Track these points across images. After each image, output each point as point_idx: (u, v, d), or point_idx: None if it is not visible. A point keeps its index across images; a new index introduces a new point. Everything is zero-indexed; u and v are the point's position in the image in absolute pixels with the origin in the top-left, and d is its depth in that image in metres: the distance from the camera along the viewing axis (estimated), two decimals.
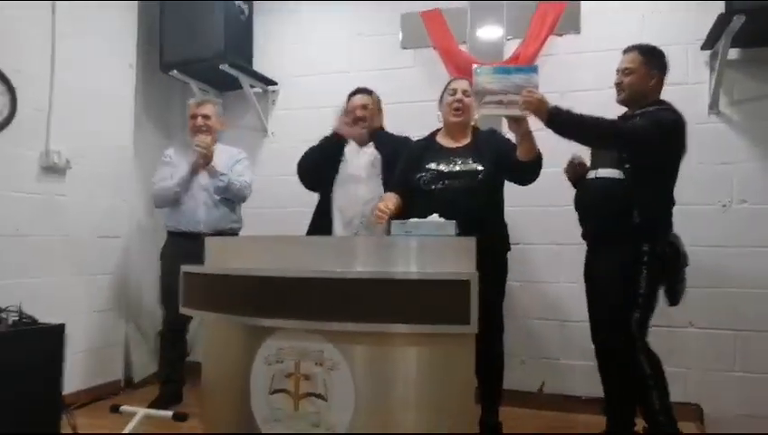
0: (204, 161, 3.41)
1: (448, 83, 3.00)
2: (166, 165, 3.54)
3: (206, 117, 3.50)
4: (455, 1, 3.83)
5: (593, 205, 2.69)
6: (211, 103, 3.60)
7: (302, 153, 3.22)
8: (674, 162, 2.62)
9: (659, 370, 2.58)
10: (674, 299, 2.62)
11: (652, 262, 2.52)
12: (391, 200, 2.77)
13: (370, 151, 3.17)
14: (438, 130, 3.01)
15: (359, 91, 3.27)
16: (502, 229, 2.91)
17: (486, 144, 2.85)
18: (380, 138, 3.15)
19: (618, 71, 2.72)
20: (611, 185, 2.61)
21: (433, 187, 2.80)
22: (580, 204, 2.80)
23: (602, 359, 2.77)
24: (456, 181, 2.77)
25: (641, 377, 2.53)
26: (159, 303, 3.65)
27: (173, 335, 3.52)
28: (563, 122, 2.52)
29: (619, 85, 2.69)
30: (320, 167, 3.16)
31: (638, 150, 2.53)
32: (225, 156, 3.55)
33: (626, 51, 2.72)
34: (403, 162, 2.94)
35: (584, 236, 2.80)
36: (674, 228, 2.64)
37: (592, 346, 2.80)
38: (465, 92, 2.87)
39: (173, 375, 3.52)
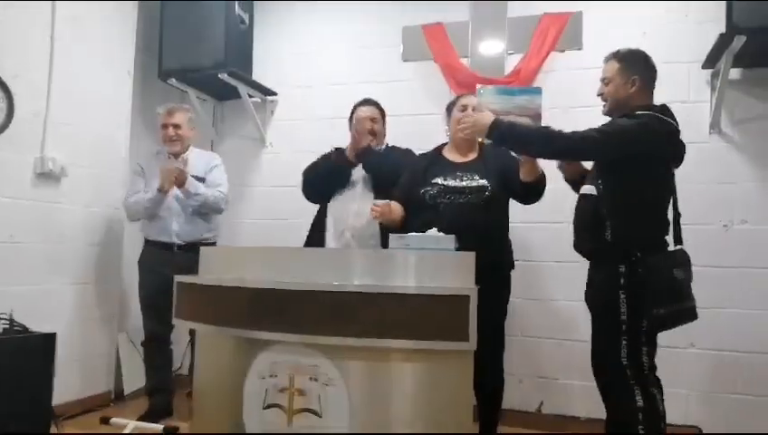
0: (173, 185, 3.31)
1: (457, 98, 2.98)
2: (138, 176, 3.51)
3: (176, 126, 3.44)
4: (457, 15, 3.83)
5: (574, 225, 2.56)
6: (182, 111, 3.52)
7: (307, 165, 3.17)
8: (649, 172, 2.36)
9: (655, 408, 2.32)
10: (652, 326, 2.31)
11: (629, 285, 2.29)
12: (394, 203, 2.75)
13: None
14: (444, 144, 2.98)
15: (366, 102, 3.24)
16: (506, 247, 2.89)
17: (493, 160, 2.82)
18: (368, 162, 3.10)
19: (601, 80, 2.60)
20: (587, 202, 2.45)
21: (438, 201, 2.77)
22: (574, 224, 2.64)
23: (599, 383, 2.68)
24: (462, 197, 2.75)
25: (629, 410, 2.30)
26: (141, 311, 3.54)
27: (157, 345, 3.47)
28: (502, 136, 2.44)
29: (601, 96, 2.57)
30: (327, 183, 3.13)
31: (596, 160, 2.39)
32: (200, 162, 3.50)
33: (605, 59, 2.57)
34: (408, 175, 2.91)
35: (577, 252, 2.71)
36: (671, 246, 2.42)
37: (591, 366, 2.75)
38: (474, 109, 2.84)
39: (161, 384, 3.46)
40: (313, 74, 4.18)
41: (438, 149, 2.99)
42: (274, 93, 4.25)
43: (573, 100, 3.46)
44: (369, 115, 3.18)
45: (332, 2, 4.15)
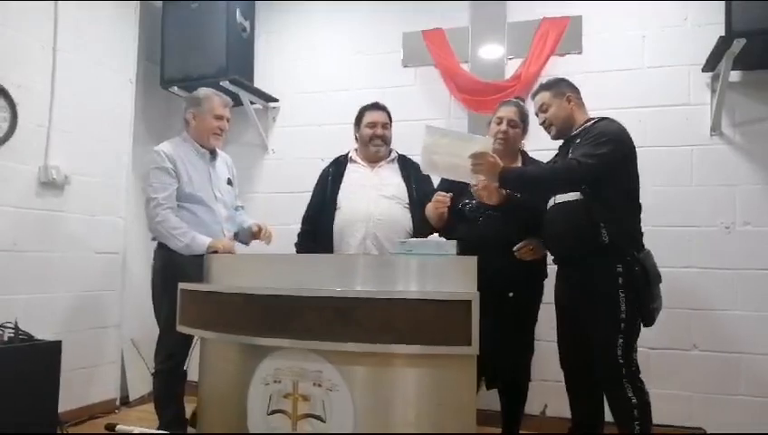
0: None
1: (498, 108, 2.98)
2: (166, 174, 2.85)
3: (228, 121, 3.06)
4: (456, 20, 3.84)
5: (558, 232, 2.59)
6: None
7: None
8: (628, 170, 2.51)
9: (645, 401, 2.40)
10: (648, 320, 2.46)
11: (627, 284, 2.39)
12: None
13: (386, 171, 3.19)
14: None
15: (375, 106, 3.24)
16: (542, 257, 2.89)
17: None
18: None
19: (536, 114, 2.74)
20: (572, 209, 2.50)
21: (478, 215, 2.79)
22: (546, 234, 2.68)
23: (572, 383, 2.71)
24: (499, 212, 2.75)
25: (625, 407, 2.37)
26: (167, 337, 2.83)
27: (177, 373, 2.88)
28: (511, 183, 2.59)
29: (543, 124, 2.70)
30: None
31: (598, 177, 2.44)
32: (224, 163, 3.18)
33: (532, 95, 2.76)
34: (449, 184, 2.88)
35: (555, 261, 2.74)
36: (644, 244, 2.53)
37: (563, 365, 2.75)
38: (510, 122, 2.87)
39: (178, 415, 2.92)
40: (315, 81, 4.19)
41: None
42: (276, 100, 4.26)
43: None
44: (381, 120, 3.19)
45: (333, 9, 4.17)
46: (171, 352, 2.82)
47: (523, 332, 2.82)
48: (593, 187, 2.45)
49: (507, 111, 2.89)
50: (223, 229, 2.95)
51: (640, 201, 2.55)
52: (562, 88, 2.67)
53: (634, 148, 2.54)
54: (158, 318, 2.89)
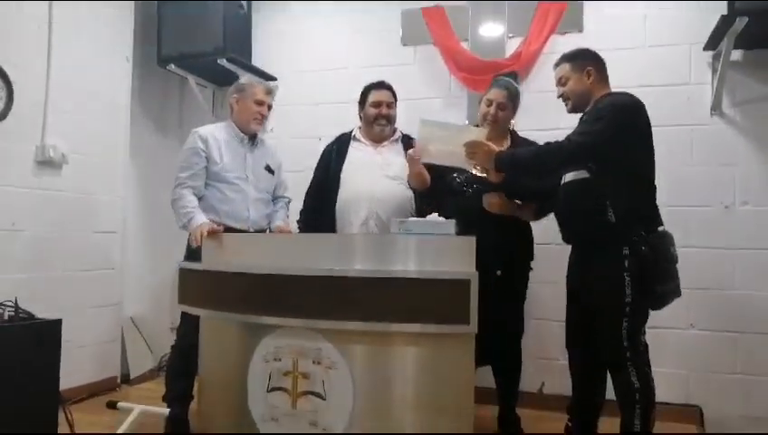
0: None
1: (489, 87, 2.99)
2: (194, 154, 2.91)
3: (270, 107, 3.12)
4: None
5: (567, 212, 2.59)
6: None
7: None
8: (638, 146, 2.42)
9: (648, 385, 2.37)
10: (656, 304, 2.40)
11: (634, 266, 2.33)
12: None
13: (389, 151, 3.18)
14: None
15: (380, 85, 3.21)
16: (528, 235, 2.96)
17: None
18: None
19: (556, 86, 2.68)
20: (579, 187, 2.48)
21: (465, 188, 2.84)
22: (558, 214, 2.69)
23: (575, 364, 2.69)
24: (488, 187, 2.78)
25: (627, 391, 2.36)
26: (190, 317, 2.74)
27: (190, 353, 2.80)
28: (506, 168, 2.56)
29: (562, 96, 2.64)
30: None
31: (600, 155, 2.40)
32: (269, 151, 3.21)
33: (554, 66, 2.68)
34: None
35: (565, 240, 2.70)
36: (662, 222, 2.46)
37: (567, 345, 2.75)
38: (499, 105, 2.88)
39: (185, 393, 2.92)
40: (313, 59, 4.16)
41: None
42: (274, 78, 4.23)
43: None
44: (387, 100, 3.17)
45: None
46: (193, 332, 2.72)
47: (511, 310, 2.85)
48: (599, 165, 2.41)
49: (497, 94, 2.90)
50: (248, 208, 2.98)
51: (655, 179, 2.50)
52: (584, 61, 2.58)
53: (642, 123, 2.43)
54: None
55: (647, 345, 2.45)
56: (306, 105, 4.14)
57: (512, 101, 2.92)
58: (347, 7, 4.10)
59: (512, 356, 2.94)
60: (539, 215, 2.92)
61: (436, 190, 2.91)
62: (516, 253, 2.87)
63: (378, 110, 3.15)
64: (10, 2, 3.15)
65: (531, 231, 2.98)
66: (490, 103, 2.89)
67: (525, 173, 2.68)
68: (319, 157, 3.31)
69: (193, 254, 2.76)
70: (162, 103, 4.40)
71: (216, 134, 3.00)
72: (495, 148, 2.57)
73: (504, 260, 2.76)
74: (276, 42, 4.25)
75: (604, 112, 2.41)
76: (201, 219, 2.76)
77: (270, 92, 3.12)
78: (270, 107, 3.11)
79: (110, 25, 3.83)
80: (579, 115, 2.58)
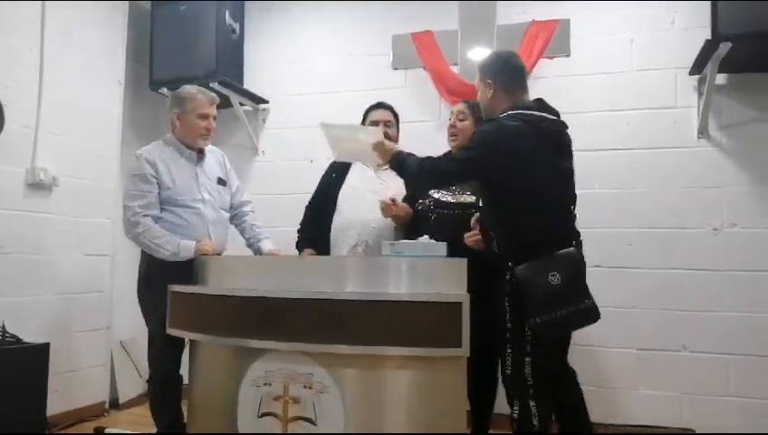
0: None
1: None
2: (143, 181, 2.76)
3: (215, 119, 2.90)
4: (446, 23, 3.86)
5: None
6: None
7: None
8: (523, 174, 2.21)
9: (527, 418, 2.21)
10: (538, 335, 2.18)
11: (510, 295, 2.25)
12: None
13: (388, 173, 3.14)
14: (449, 152, 2.95)
15: (380, 105, 3.23)
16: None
17: None
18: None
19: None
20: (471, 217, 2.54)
21: (430, 214, 2.85)
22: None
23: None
24: (452, 212, 2.80)
25: (511, 419, 2.27)
26: (153, 344, 2.76)
27: (173, 385, 2.76)
28: (396, 171, 2.53)
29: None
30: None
31: (461, 181, 2.40)
32: (214, 160, 3.04)
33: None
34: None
35: None
36: (570, 247, 2.23)
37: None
38: (459, 114, 2.91)
39: (176, 424, 2.75)
40: (304, 82, 4.19)
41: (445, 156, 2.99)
42: (266, 102, 4.26)
43: (562, 106, 3.43)
44: (385, 118, 3.16)
45: (322, 11, 4.18)
46: (162, 359, 2.71)
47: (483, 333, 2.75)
48: (482, 195, 2.42)
49: (459, 106, 2.96)
50: (209, 232, 2.84)
51: (549, 200, 2.25)
52: (488, 73, 2.40)
53: (514, 149, 2.21)
54: (147, 324, 2.80)
55: (570, 372, 2.46)
56: (298, 128, 4.16)
57: (473, 114, 2.86)
58: (338, 31, 4.15)
59: (487, 380, 2.84)
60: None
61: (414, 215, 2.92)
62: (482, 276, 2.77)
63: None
64: (1, 24, 3.16)
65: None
66: (451, 116, 2.96)
67: (407, 180, 2.69)
68: (324, 171, 3.28)
69: (151, 275, 2.70)
70: (154, 126, 4.40)
71: (162, 155, 2.80)
72: (396, 148, 2.53)
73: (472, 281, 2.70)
74: (268, 65, 4.28)
75: (472, 143, 2.35)
76: (189, 242, 2.70)
77: (213, 102, 2.88)
78: (215, 118, 2.88)
79: (103, 48, 3.85)
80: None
